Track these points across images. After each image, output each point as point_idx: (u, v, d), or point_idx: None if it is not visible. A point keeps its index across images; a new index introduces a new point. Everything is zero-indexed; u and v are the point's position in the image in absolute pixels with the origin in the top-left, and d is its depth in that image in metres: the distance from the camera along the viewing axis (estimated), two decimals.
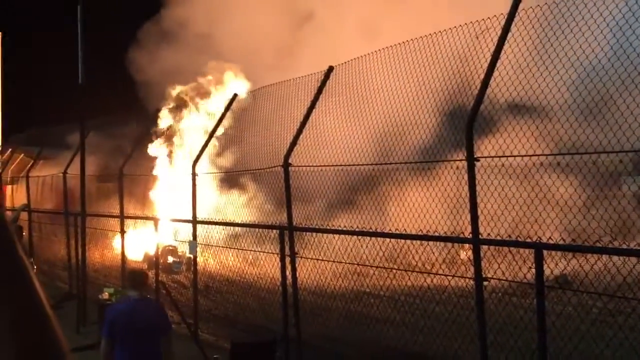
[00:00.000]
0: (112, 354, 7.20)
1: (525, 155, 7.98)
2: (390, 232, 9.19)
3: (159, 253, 14.29)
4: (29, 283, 1.06)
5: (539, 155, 8.22)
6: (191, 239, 13.21)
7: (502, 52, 7.80)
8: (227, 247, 13.69)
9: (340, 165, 10.56)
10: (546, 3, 7.66)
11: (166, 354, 7.44)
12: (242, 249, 13.25)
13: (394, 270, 10.72)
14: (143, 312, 7.32)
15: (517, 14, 7.82)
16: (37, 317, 1.05)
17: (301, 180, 11.06)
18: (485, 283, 7.83)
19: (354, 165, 10.37)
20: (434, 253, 10.10)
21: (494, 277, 8.22)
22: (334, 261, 10.88)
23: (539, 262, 6.84)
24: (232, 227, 13.36)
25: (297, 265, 10.57)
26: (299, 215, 11.20)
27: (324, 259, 11.07)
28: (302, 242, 11.21)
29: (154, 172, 21.19)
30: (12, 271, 1.06)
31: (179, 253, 19.40)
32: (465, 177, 7.70)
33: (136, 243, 17.46)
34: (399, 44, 9.74)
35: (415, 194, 9.31)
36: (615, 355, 7.88)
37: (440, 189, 9.10)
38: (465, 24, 8.55)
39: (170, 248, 19.36)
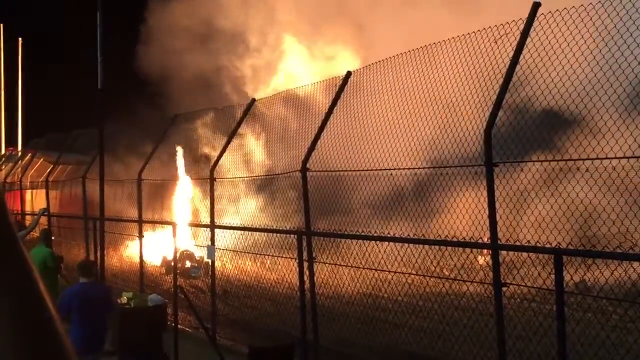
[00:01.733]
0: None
1: (543, 161, 7.95)
2: (408, 237, 9.16)
3: (177, 258, 14.33)
4: (30, 282, 1.06)
5: (558, 160, 8.18)
6: (210, 243, 13.25)
7: (522, 56, 7.79)
8: (245, 252, 13.70)
9: (361, 170, 10.55)
10: (565, 8, 7.62)
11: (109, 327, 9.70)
12: (260, 254, 13.27)
13: (412, 276, 10.69)
14: (93, 291, 9.47)
15: (536, 18, 7.81)
16: (38, 319, 1.04)
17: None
18: (504, 289, 7.80)
19: (375, 170, 10.35)
20: (452, 259, 10.09)
21: (513, 282, 8.18)
22: (351, 266, 10.86)
23: (559, 267, 6.80)
24: (252, 233, 13.34)
25: (315, 270, 10.57)
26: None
27: (341, 264, 11.06)
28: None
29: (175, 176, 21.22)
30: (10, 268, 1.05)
31: (196, 258, 19.44)
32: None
33: (155, 248, 17.54)
34: (415, 49, 9.73)
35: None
36: None
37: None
38: (484, 29, 8.54)
39: (188, 253, 19.40)
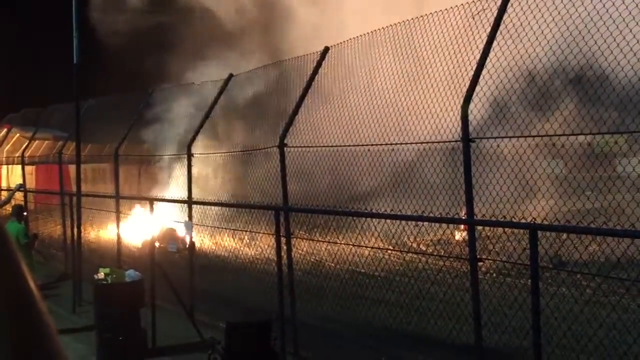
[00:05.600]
0: None
1: (519, 137, 7.97)
2: (385, 212, 9.18)
3: (159, 235, 14.30)
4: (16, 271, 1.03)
5: (534, 136, 8.21)
6: (187, 219, 13.23)
7: (499, 32, 7.80)
8: (223, 228, 13.69)
9: (337, 145, 10.54)
10: None
11: None
12: (238, 230, 13.25)
13: (389, 251, 10.74)
14: None
15: None
16: (26, 308, 1.02)
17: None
18: (480, 264, 7.86)
19: (351, 145, 10.35)
20: (429, 234, 10.15)
21: (489, 257, 8.26)
22: (329, 242, 10.89)
23: (534, 242, 6.85)
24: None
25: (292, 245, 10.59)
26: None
27: (319, 239, 11.09)
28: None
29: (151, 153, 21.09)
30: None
31: (178, 236, 19.35)
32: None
33: (134, 224, 17.46)
34: (395, 24, 9.71)
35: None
36: (609, 336, 7.92)
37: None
38: (462, 4, 8.52)
39: (167, 229, 19.31)
